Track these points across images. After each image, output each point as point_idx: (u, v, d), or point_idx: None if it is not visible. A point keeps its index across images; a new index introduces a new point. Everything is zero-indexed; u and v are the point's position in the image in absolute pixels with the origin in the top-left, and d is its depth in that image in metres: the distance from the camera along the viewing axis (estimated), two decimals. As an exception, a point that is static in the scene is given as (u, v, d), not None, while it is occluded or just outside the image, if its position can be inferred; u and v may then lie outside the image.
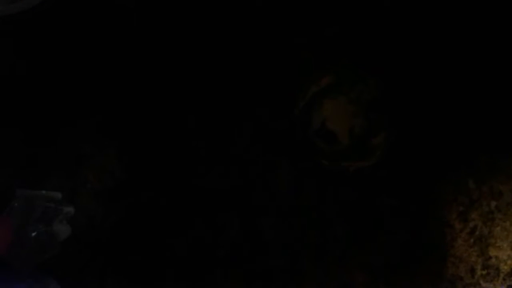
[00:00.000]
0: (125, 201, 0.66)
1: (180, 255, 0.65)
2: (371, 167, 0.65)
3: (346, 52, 0.68)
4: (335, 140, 0.65)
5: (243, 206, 0.66)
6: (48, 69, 0.67)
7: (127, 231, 0.65)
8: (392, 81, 0.66)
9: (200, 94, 0.68)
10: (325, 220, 0.66)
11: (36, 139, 0.67)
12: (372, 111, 0.64)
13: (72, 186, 0.65)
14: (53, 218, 0.64)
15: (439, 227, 0.64)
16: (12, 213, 0.62)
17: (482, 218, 0.65)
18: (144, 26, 0.68)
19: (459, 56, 0.67)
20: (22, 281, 0.59)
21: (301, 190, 0.66)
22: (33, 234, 0.61)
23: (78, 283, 0.63)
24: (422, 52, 0.67)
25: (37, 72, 0.67)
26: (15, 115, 0.67)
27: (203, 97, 0.68)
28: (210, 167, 0.66)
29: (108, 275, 0.64)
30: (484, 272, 0.65)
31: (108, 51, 0.68)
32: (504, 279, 0.65)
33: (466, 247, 0.65)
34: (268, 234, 0.66)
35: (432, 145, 0.66)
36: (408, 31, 0.67)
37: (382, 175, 0.65)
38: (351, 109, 0.64)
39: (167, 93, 0.68)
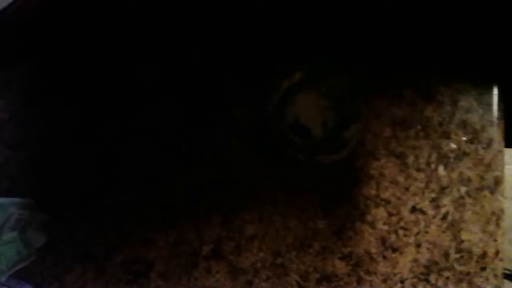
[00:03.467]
0: (109, 200, 0.65)
1: (163, 254, 0.65)
2: (345, 159, 0.67)
3: (317, 46, 0.69)
4: (309, 134, 0.66)
5: (223, 203, 0.67)
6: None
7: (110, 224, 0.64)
8: (362, 73, 0.68)
9: (175, 91, 0.68)
10: (305, 213, 0.67)
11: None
12: (343, 104, 0.65)
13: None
14: (28, 225, 0.62)
15: (413, 214, 0.67)
16: (-16, 221, 0.60)
17: (453, 204, 0.68)
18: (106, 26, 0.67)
19: (424, 51, 0.69)
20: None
21: (280, 185, 0.67)
22: (8, 242, 0.60)
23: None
24: (391, 45, 0.69)
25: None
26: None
27: (178, 94, 0.69)
28: (187, 164, 0.66)
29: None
30: (457, 256, 0.67)
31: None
32: (477, 261, 0.68)
33: (439, 233, 0.67)
34: (250, 229, 0.66)
35: (397, 131, 0.68)
36: (378, 24, 0.69)
37: (357, 166, 0.67)
38: (323, 103, 0.66)
39: (142, 92, 0.68)
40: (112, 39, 0.69)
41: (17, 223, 0.62)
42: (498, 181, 0.69)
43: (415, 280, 0.66)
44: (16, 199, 0.63)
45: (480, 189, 0.68)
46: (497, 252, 0.69)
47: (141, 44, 0.69)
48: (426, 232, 0.66)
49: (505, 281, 0.70)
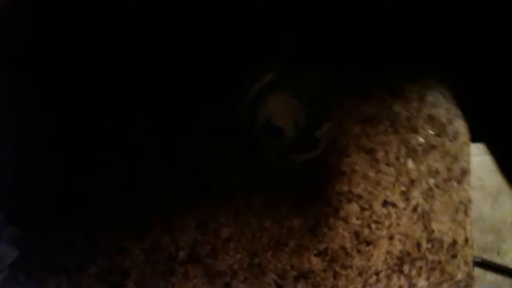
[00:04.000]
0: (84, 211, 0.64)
1: (138, 262, 0.64)
2: (318, 157, 0.68)
3: (286, 48, 0.70)
4: (282, 134, 0.67)
5: (198, 206, 0.67)
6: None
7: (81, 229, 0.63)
8: (332, 74, 0.69)
9: (149, 97, 0.68)
10: (280, 212, 0.68)
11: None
12: (314, 104, 0.66)
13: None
14: (-2, 240, 0.61)
15: (384, 208, 0.68)
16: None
17: (423, 195, 0.70)
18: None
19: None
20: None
21: (254, 186, 0.68)
22: (-23, 259, 0.59)
23: None
24: (358, 44, 0.71)
25: None
26: None
27: (148, 97, 0.68)
28: (160, 169, 0.66)
29: None
30: (429, 246, 0.69)
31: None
32: (447, 250, 0.70)
33: (410, 224, 0.69)
34: (225, 232, 0.67)
35: (365, 129, 0.70)
36: (345, 23, 0.70)
37: (329, 164, 0.68)
38: (294, 104, 0.67)
39: (114, 96, 0.67)
40: (88, 47, 0.67)
41: (-14, 239, 0.60)
42: (464, 172, 0.72)
43: (389, 271, 0.68)
44: (-15, 214, 0.62)
45: (447, 180, 0.71)
46: (466, 240, 0.71)
47: (112, 47, 0.68)
48: (398, 224, 0.68)
49: (476, 268, 0.73)
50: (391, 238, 0.68)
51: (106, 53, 0.67)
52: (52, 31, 0.66)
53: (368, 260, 0.68)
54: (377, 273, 0.68)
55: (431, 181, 0.69)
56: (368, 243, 0.68)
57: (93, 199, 0.65)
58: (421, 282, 0.69)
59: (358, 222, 0.68)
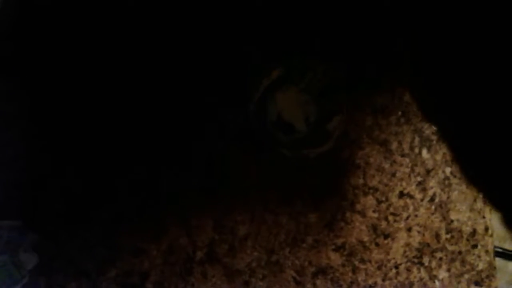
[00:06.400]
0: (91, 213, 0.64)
1: (157, 264, 0.64)
2: (330, 151, 0.67)
3: (293, 42, 0.70)
4: (293, 129, 0.67)
5: (213, 206, 0.67)
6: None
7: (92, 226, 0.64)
8: (340, 66, 0.69)
9: (159, 98, 0.68)
10: (296, 209, 0.67)
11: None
12: (323, 97, 0.66)
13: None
14: (18, 247, 0.62)
15: (401, 200, 0.67)
16: (-26, 248, 0.59)
17: (440, 185, 0.69)
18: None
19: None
20: None
21: (268, 183, 0.68)
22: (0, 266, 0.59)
23: None
24: (366, 37, 0.70)
25: None
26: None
27: (161, 101, 0.68)
28: (174, 170, 0.66)
29: None
30: (448, 236, 0.68)
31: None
32: (467, 240, 0.69)
33: (428, 215, 0.68)
34: (242, 230, 0.66)
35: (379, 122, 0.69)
36: (352, 17, 0.70)
37: (343, 157, 0.68)
38: (304, 98, 0.66)
39: (124, 98, 0.68)
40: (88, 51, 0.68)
41: (6, 246, 0.61)
42: (481, 159, 0.70)
43: (409, 264, 0.67)
44: (4, 222, 0.62)
45: (463, 167, 0.70)
46: (486, 229, 0.70)
47: (119, 47, 0.68)
48: (416, 215, 0.67)
49: (497, 259, 0.71)
50: (409, 230, 0.67)
51: (116, 54, 0.68)
52: (61, 32, 0.66)
53: (387, 253, 0.67)
54: (396, 266, 0.67)
55: (447, 170, 0.68)
56: (386, 236, 0.67)
57: (108, 202, 0.65)
58: (442, 274, 0.68)
59: (375, 215, 0.67)
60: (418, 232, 0.67)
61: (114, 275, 0.63)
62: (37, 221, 0.63)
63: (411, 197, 0.68)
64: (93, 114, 0.66)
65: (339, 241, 0.67)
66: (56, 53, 0.66)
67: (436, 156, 0.68)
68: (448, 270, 0.68)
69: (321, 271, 0.66)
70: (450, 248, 0.68)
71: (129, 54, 0.68)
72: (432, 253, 0.68)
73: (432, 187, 0.68)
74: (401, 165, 0.68)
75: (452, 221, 0.69)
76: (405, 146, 0.68)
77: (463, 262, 0.69)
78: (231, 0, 0.67)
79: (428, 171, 0.68)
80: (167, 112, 0.68)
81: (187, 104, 0.68)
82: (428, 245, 0.68)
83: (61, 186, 0.64)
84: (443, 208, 0.68)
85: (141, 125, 0.67)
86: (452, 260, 0.68)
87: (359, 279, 0.67)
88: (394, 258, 0.67)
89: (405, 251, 0.67)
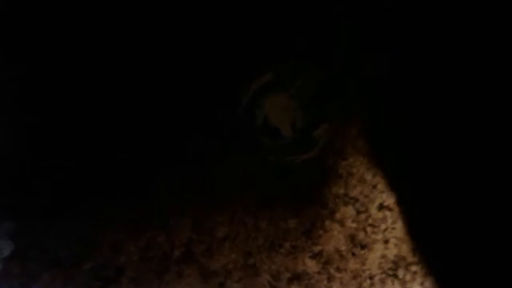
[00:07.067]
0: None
1: (134, 259, 0.64)
2: (315, 159, 0.68)
3: (285, 48, 0.70)
4: (279, 135, 0.67)
5: (194, 205, 0.67)
6: None
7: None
8: (329, 74, 0.69)
9: (141, 95, 0.68)
10: (276, 214, 0.68)
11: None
12: (312, 104, 0.66)
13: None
14: (-6, 234, 0.61)
15: (380, 212, 0.68)
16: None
17: (420, 200, 0.69)
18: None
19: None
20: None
21: (250, 186, 0.68)
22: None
23: None
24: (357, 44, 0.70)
25: None
26: None
27: (155, 101, 0.68)
28: (156, 168, 0.66)
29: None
30: (424, 250, 0.69)
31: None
32: (443, 255, 0.70)
33: (406, 228, 0.69)
34: (221, 231, 0.67)
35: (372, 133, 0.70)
36: (343, 23, 0.70)
37: (326, 166, 0.68)
38: (292, 104, 0.67)
39: (110, 96, 0.68)
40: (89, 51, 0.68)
41: (-18, 233, 0.61)
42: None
43: (383, 275, 0.67)
44: (-18, 209, 0.62)
45: (445, 185, 0.71)
46: (462, 246, 0.71)
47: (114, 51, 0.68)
48: (394, 228, 0.68)
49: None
50: (386, 242, 0.68)
51: (114, 52, 0.68)
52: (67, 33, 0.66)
53: (363, 263, 0.68)
54: (371, 277, 0.68)
55: (428, 185, 0.69)
56: (363, 247, 0.67)
57: (89, 196, 0.65)
58: (416, 287, 0.69)
59: (354, 225, 0.67)
60: (395, 244, 0.68)
61: (89, 268, 0.63)
62: (14, 210, 0.63)
63: (390, 209, 0.68)
64: (81, 109, 0.66)
65: (317, 249, 0.67)
66: (55, 48, 0.66)
67: (418, 171, 0.69)
68: (422, 284, 0.69)
69: (297, 277, 0.67)
70: (425, 262, 0.69)
71: (127, 53, 0.68)
72: (407, 266, 0.68)
73: (412, 201, 0.69)
74: (383, 177, 0.69)
75: (429, 236, 0.69)
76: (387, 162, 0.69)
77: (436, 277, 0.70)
78: (223, 6, 0.67)
79: (409, 186, 0.69)
80: (153, 113, 0.68)
81: (173, 104, 0.68)
82: (404, 258, 0.68)
83: (42, 177, 0.64)
84: (421, 223, 0.69)
85: (127, 124, 0.67)
86: (427, 275, 0.69)
87: (334, 287, 0.67)
88: (369, 269, 0.67)
89: (380, 263, 0.68)
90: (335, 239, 0.67)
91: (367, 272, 0.67)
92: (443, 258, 0.65)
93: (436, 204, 0.65)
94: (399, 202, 0.65)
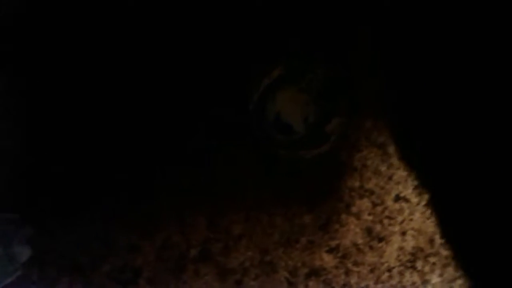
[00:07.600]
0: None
1: (150, 260, 0.65)
2: (328, 153, 0.67)
3: (295, 42, 0.69)
4: (291, 130, 0.66)
5: (208, 204, 0.66)
6: None
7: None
8: (341, 67, 0.68)
9: (156, 95, 0.68)
10: (291, 209, 0.67)
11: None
12: (323, 98, 0.65)
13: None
14: (12, 239, 0.62)
15: (397, 203, 0.67)
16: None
17: (436, 190, 0.69)
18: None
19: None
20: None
21: (264, 183, 0.67)
22: (-8, 257, 0.59)
23: None
24: (366, 38, 0.69)
25: None
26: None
27: (158, 97, 0.68)
28: (170, 168, 0.66)
29: None
30: (442, 241, 0.68)
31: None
32: (462, 245, 0.69)
33: (423, 219, 0.68)
34: (236, 229, 0.66)
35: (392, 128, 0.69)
36: (352, 18, 0.69)
37: (340, 159, 0.68)
38: (303, 98, 0.66)
39: (119, 96, 0.67)
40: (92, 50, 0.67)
41: (1, 239, 0.61)
42: (479, 165, 0.70)
43: (402, 268, 0.67)
44: (1, 215, 0.62)
45: (461, 173, 0.70)
46: (481, 235, 0.70)
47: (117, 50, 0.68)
48: (411, 219, 0.67)
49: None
50: (403, 234, 0.67)
51: (115, 53, 0.67)
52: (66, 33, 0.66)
53: (381, 256, 0.67)
54: (389, 270, 0.67)
55: (445, 175, 0.68)
56: (380, 239, 0.67)
57: (105, 198, 0.65)
58: (435, 278, 0.68)
59: (370, 218, 0.67)
60: (413, 236, 0.67)
61: (107, 270, 0.63)
62: (34, 215, 0.63)
63: (407, 200, 0.67)
64: (91, 112, 0.66)
65: (333, 243, 0.67)
66: (55, 50, 0.66)
67: (433, 161, 0.68)
68: (441, 275, 0.68)
69: (314, 273, 0.66)
70: (444, 253, 0.68)
71: (128, 52, 0.67)
72: (425, 258, 0.68)
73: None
74: (398, 168, 0.68)
75: (447, 226, 0.69)
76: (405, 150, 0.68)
77: (456, 267, 0.69)
78: (231, 0, 0.66)
79: (425, 176, 0.68)
80: (164, 110, 0.67)
81: (184, 102, 0.68)
82: (422, 249, 0.67)
83: (58, 181, 0.64)
84: (438, 213, 0.68)
85: (138, 123, 0.67)
86: (445, 265, 0.68)
87: (352, 281, 0.67)
88: (387, 262, 0.67)
89: (398, 255, 0.67)
90: (351, 232, 0.67)
91: (385, 265, 0.67)
92: (464, 248, 0.64)
93: (457, 194, 0.64)
94: (418, 194, 0.64)
